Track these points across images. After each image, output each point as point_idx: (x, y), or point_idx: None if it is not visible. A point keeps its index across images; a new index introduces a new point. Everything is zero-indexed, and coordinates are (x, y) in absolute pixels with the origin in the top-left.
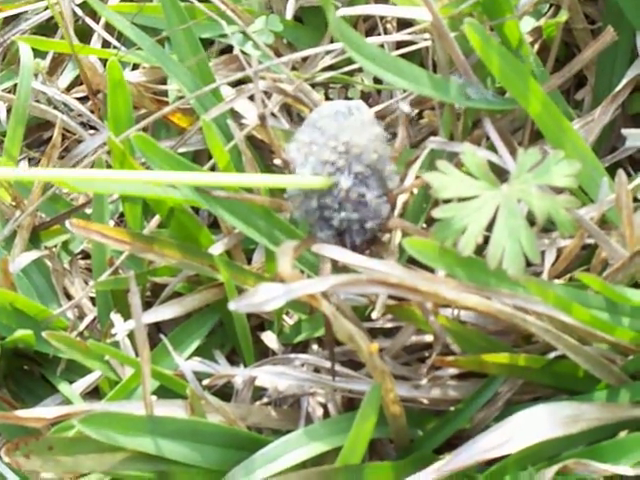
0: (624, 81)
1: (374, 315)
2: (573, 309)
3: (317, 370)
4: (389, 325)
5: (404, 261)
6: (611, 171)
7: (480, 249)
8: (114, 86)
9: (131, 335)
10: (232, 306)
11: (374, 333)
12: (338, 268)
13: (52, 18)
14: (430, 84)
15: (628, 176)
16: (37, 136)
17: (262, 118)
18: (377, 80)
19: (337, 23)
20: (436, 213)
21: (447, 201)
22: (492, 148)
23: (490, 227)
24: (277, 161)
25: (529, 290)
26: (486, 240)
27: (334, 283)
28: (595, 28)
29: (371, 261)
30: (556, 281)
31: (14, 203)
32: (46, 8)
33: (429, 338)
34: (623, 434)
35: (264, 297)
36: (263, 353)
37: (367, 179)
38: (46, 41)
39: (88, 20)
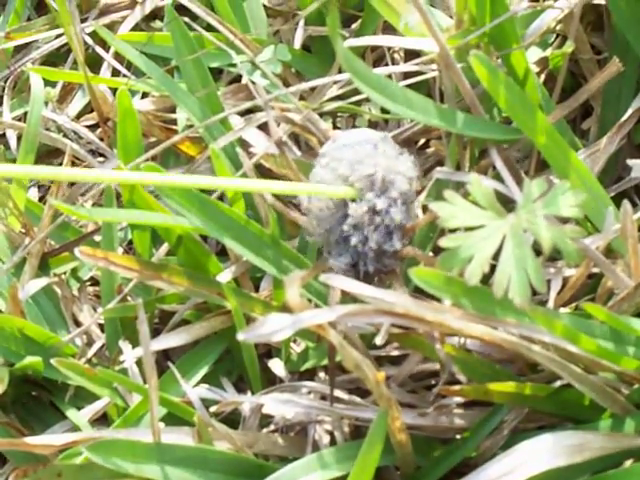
0: (630, 111)
1: (377, 342)
2: (579, 339)
3: (324, 398)
4: (395, 353)
5: (411, 290)
6: (617, 200)
7: (486, 278)
8: (123, 115)
9: (139, 362)
10: (240, 337)
11: (381, 361)
12: (346, 295)
13: (62, 46)
14: (437, 114)
15: (634, 205)
16: (47, 163)
17: (279, 144)
18: (384, 109)
19: (345, 54)
20: (443, 242)
21: (454, 230)
22: (498, 177)
23: (496, 256)
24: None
25: (535, 320)
26: (492, 269)
27: (341, 313)
28: (601, 58)
29: (378, 291)
30: (562, 309)
31: (24, 230)
32: (56, 37)
33: (435, 366)
34: (628, 463)
35: (272, 328)
36: (270, 380)
37: (396, 206)
38: (56, 72)
39: (98, 49)
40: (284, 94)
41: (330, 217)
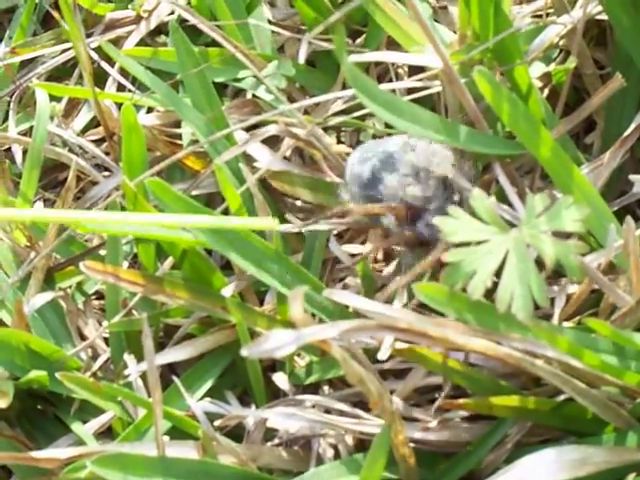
0: (633, 126)
1: (380, 356)
2: (582, 354)
3: (328, 411)
4: (400, 367)
5: (414, 304)
6: (620, 214)
7: (489, 293)
8: (128, 130)
9: (144, 376)
10: (244, 352)
11: (384, 374)
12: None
13: (67, 61)
14: (442, 129)
15: (637, 219)
16: (53, 177)
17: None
18: (388, 124)
19: (350, 70)
20: (446, 257)
21: (458, 246)
22: (502, 191)
23: (499, 271)
24: (297, 203)
25: (538, 335)
26: (495, 284)
27: (344, 329)
28: (604, 73)
29: (381, 306)
30: (565, 324)
31: (29, 244)
32: (62, 52)
33: (439, 380)
34: (631, 477)
35: (275, 343)
36: (274, 394)
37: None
38: (61, 87)
39: (103, 64)
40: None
41: None
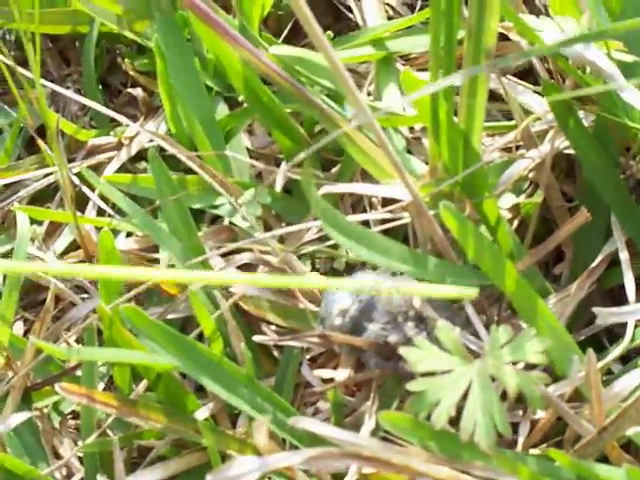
0: (600, 257)
1: None
2: None
3: None
4: None
5: (381, 432)
6: (588, 343)
7: (454, 422)
8: (106, 254)
9: None
10: (209, 478)
11: None
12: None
13: (50, 185)
14: (410, 261)
15: (603, 349)
16: (32, 299)
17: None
18: None
19: (318, 203)
20: (411, 386)
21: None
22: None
23: (464, 399)
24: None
25: (501, 464)
26: (459, 413)
27: (308, 456)
28: (573, 206)
29: (347, 433)
30: (532, 451)
31: (7, 364)
32: (44, 176)
33: None
34: None
35: (240, 470)
36: None
37: None
38: (42, 211)
39: (84, 188)
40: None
41: None
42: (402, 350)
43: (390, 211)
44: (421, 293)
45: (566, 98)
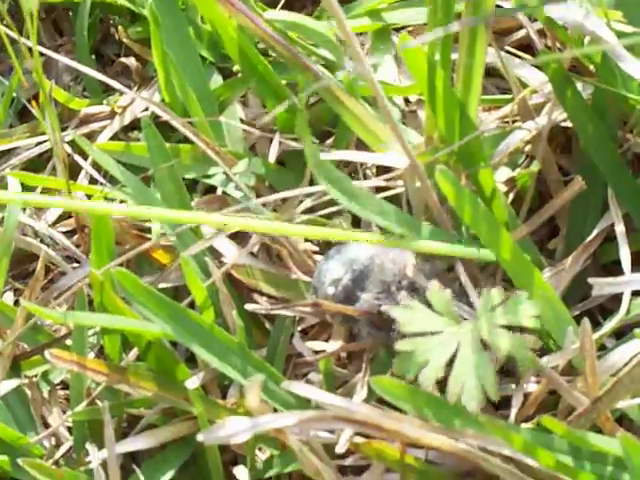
0: (595, 231)
1: (338, 449)
2: (537, 453)
3: None
4: (360, 463)
5: (375, 399)
6: (582, 318)
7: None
8: (97, 222)
9: (105, 464)
10: (200, 438)
11: (345, 472)
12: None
13: (42, 154)
14: (405, 224)
15: (597, 324)
16: (22, 267)
17: None
18: (355, 223)
19: (321, 164)
20: (399, 345)
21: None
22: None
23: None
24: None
25: (494, 432)
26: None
27: (300, 418)
28: (569, 180)
29: (339, 399)
30: (524, 425)
31: None
32: (37, 144)
33: (398, 477)
34: None
35: (231, 430)
36: None
37: None
38: (35, 177)
39: (77, 157)
40: (256, 205)
41: None
42: (393, 311)
43: (385, 180)
44: (444, 252)
45: (564, 70)
